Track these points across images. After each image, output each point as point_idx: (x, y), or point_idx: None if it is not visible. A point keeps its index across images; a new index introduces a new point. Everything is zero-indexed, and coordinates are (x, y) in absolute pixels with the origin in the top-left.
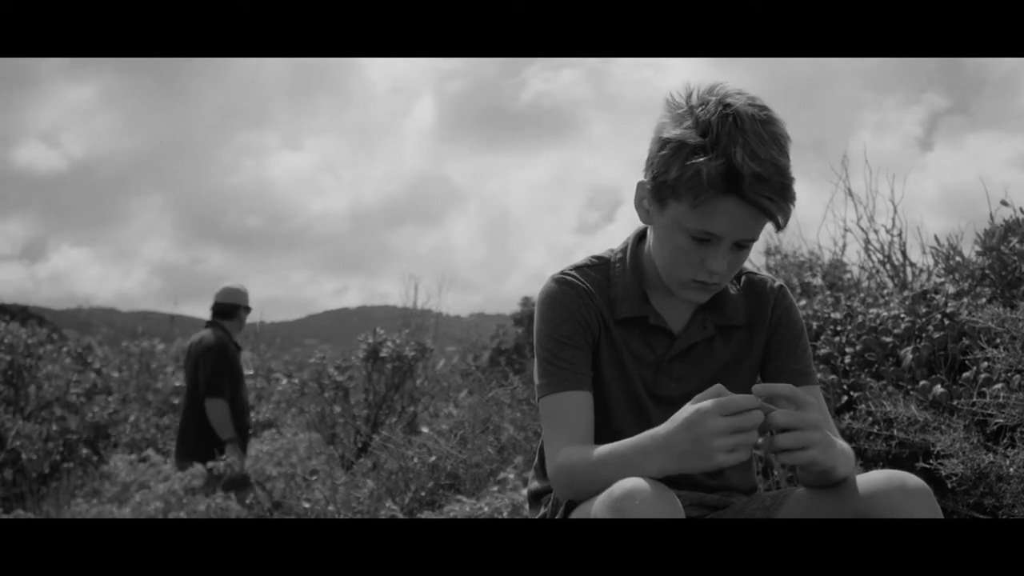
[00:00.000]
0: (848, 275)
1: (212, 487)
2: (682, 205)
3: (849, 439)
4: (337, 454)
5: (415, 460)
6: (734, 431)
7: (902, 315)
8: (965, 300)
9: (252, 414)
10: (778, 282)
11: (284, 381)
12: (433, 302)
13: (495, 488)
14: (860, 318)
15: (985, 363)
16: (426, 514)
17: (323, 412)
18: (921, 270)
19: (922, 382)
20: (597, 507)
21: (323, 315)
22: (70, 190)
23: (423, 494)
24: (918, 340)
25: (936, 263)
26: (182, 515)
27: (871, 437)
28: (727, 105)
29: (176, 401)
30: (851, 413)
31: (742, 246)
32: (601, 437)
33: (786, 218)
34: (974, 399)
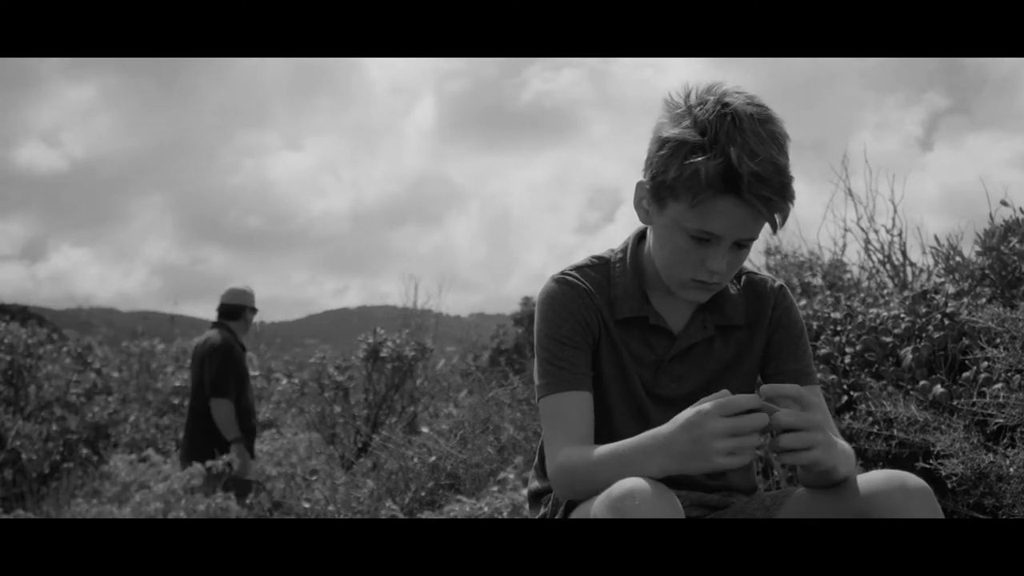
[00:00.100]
0: (848, 275)
1: (212, 486)
2: (681, 205)
3: (849, 439)
4: (337, 454)
5: (415, 460)
6: (734, 433)
7: (902, 315)
8: (965, 300)
9: None
10: (778, 282)
11: (284, 381)
12: (433, 302)
13: (495, 488)
14: (860, 318)
15: (985, 363)
16: (426, 514)
17: (323, 412)
18: (921, 270)
19: (922, 382)
20: (597, 507)
21: (323, 315)
22: (70, 190)
23: (423, 494)
24: (918, 340)
25: (936, 263)
26: (182, 515)
27: (871, 437)
28: (725, 104)
29: (176, 401)
30: (851, 413)
31: (742, 245)
32: (600, 437)
33: (785, 217)
34: (974, 399)
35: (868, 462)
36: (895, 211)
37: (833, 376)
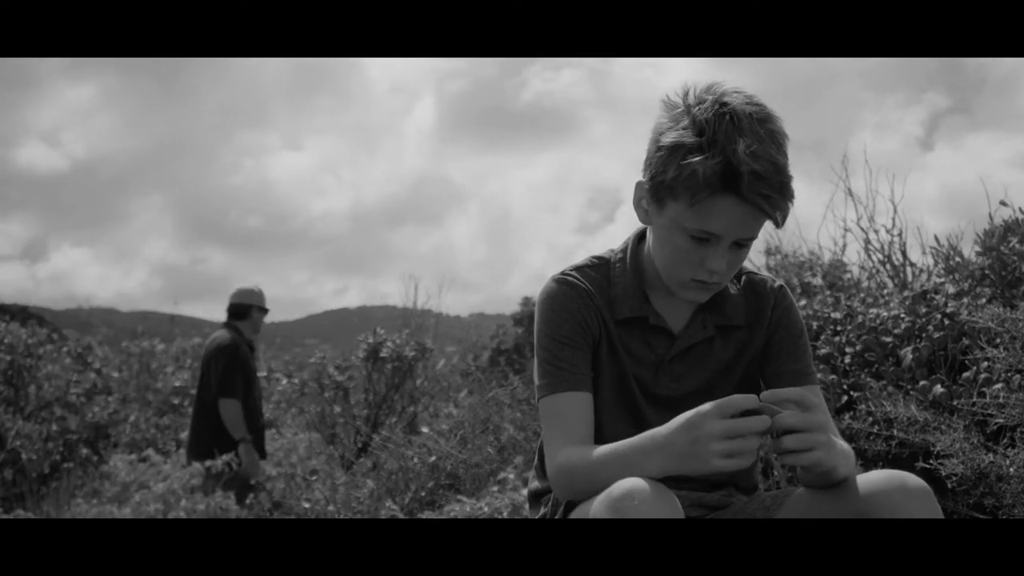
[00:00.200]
0: (848, 275)
1: (212, 486)
2: (680, 205)
3: (849, 439)
4: (337, 454)
5: (415, 460)
6: (732, 435)
7: (902, 315)
8: (965, 300)
9: None
10: (778, 282)
11: (284, 381)
12: (433, 302)
13: (495, 488)
14: (860, 318)
15: (985, 363)
16: (426, 514)
17: (323, 412)
18: (921, 270)
19: (922, 382)
20: (596, 507)
21: (323, 315)
22: (71, 190)
23: (423, 494)
24: (918, 340)
25: (936, 263)
26: (182, 515)
27: (871, 437)
28: (724, 104)
29: (176, 401)
30: (851, 413)
31: (741, 245)
32: (599, 437)
33: (785, 216)
34: (974, 399)
35: (868, 462)
36: (895, 211)
37: (833, 376)
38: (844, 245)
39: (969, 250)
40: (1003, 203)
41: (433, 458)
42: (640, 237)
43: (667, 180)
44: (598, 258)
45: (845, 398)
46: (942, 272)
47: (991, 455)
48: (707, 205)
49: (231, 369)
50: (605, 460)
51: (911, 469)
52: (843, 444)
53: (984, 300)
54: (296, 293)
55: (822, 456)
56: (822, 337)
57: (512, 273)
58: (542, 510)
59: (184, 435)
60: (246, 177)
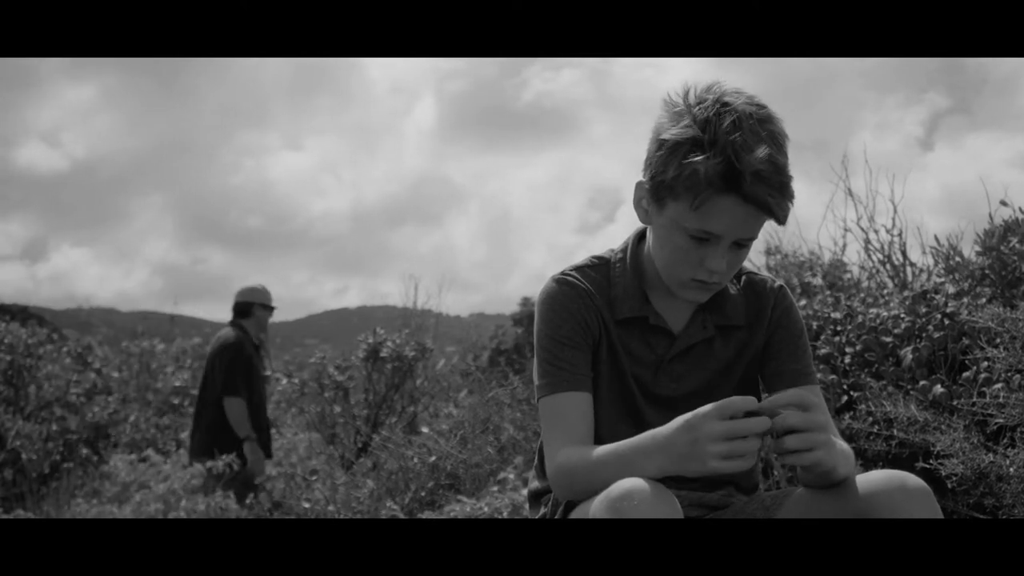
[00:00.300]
0: (848, 275)
1: (212, 486)
2: (681, 204)
3: (849, 439)
4: (337, 454)
5: (415, 460)
6: (730, 436)
7: (902, 315)
8: (965, 300)
9: None
10: (778, 282)
11: (284, 381)
12: (433, 302)
13: (495, 488)
14: (860, 318)
15: (985, 363)
16: (426, 514)
17: (323, 412)
18: (921, 270)
19: (922, 382)
20: (595, 507)
21: (323, 315)
22: (71, 190)
23: (423, 494)
24: (918, 340)
25: (936, 263)
26: (182, 515)
27: (871, 437)
28: (725, 104)
29: (176, 401)
30: (851, 413)
31: (741, 245)
32: (599, 437)
33: (785, 216)
34: (974, 399)
35: (868, 462)
36: (895, 211)
37: (833, 376)
38: (844, 245)
39: (969, 250)
40: (1003, 203)
41: (433, 458)
42: (640, 237)
43: (667, 180)
44: (598, 258)
45: (845, 398)
46: (942, 272)
47: (991, 455)
48: (708, 205)
49: (234, 367)
50: (605, 460)
51: (911, 469)
52: (843, 444)
53: (984, 300)
54: (296, 293)
55: (823, 456)
56: (822, 337)
57: (512, 273)
58: (542, 510)
59: (184, 435)
60: (246, 177)
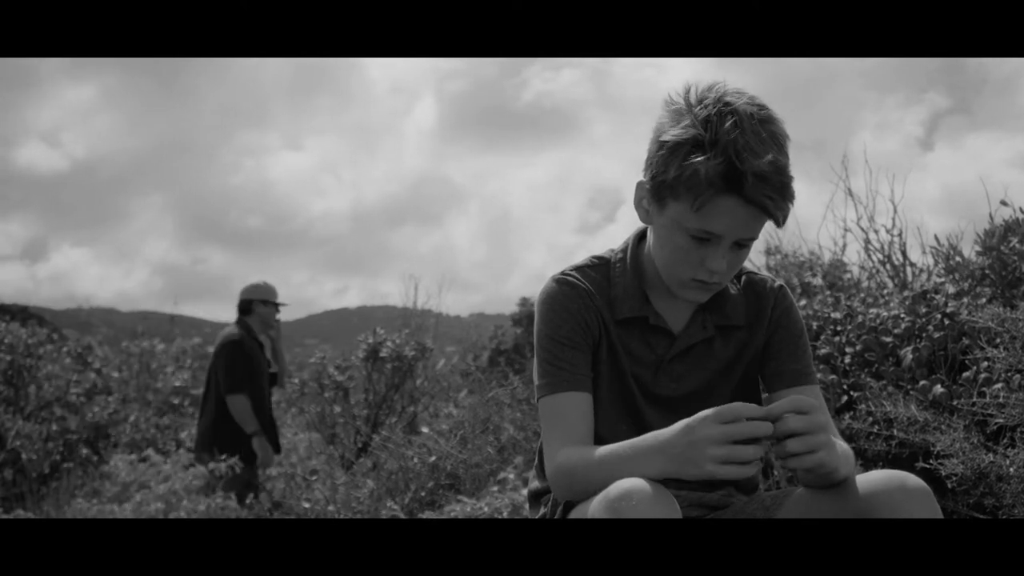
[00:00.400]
0: (848, 275)
1: (213, 487)
2: (681, 204)
3: (849, 439)
4: (337, 454)
5: (415, 460)
6: (728, 440)
7: (902, 315)
8: (965, 300)
9: None
10: (778, 282)
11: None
12: (433, 302)
13: (495, 488)
14: (860, 318)
15: (985, 363)
16: (426, 514)
17: (323, 412)
18: (921, 270)
19: (922, 382)
20: (594, 507)
21: (323, 315)
22: (71, 190)
23: (423, 494)
24: (918, 340)
25: (936, 263)
26: (182, 515)
27: (871, 437)
28: (726, 104)
29: (176, 401)
30: (851, 413)
31: (742, 245)
32: (598, 437)
33: (786, 216)
34: (974, 399)
35: (868, 462)
36: (895, 211)
37: (833, 376)
38: (844, 245)
39: (969, 250)
40: (1003, 203)
41: (433, 458)
42: (640, 237)
43: (668, 180)
44: (598, 258)
45: (845, 398)
46: (942, 272)
47: (991, 455)
48: (709, 205)
49: (233, 365)
50: (604, 460)
51: (911, 469)
52: (843, 445)
53: (984, 300)
54: (296, 293)
55: (825, 457)
56: (822, 337)
57: (512, 273)
58: (542, 510)
59: (184, 435)
60: (246, 177)
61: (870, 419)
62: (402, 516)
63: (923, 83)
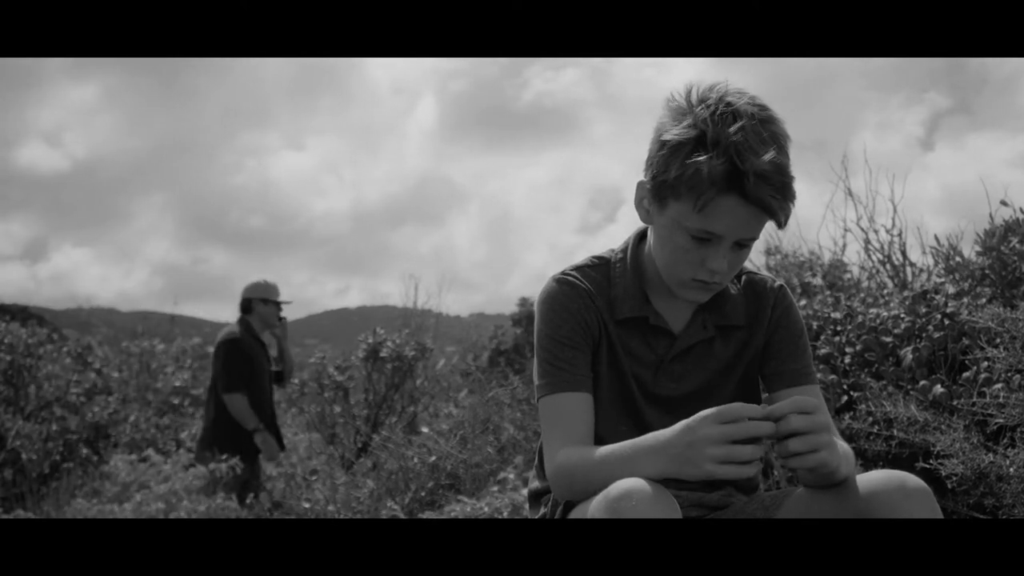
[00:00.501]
0: (848, 275)
1: (213, 488)
2: (682, 204)
3: (849, 439)
4: (337, 454)
5: (415, 460)
6: (727, 440)
7: (902, 315)
8: (965, 300)
9: None
10: (778, 282)
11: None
12: (433, 302)
13: (495, 488)
14: (860, 318)
15: (985, 363)
16: (426, 514)
17: (323, 412)
18: (921, 270)
19: (922, 382)
20: (594, 507)
21: (323, 315)
22: (72, 190)
23: (423, 494)
24: (918, 340)
25: (936, 263)
26: (182, 515)
27: (871, 437)
28: (727, 104)
29: (176, 401)
30: (851, 413)
31: (742, 245)
32: (598, 437)
33: (787, 217)
34: (974, 399)
35: (868, 462)
36: (895, 211)
37: (833, 376)
38: (844, 245)
39: (969, 250)
40: (1003, 203)
41: (433, 458)
42: (641, 237)
43: (669, 179)
44: (598, 258)
45: (845, 398)
46: (942, 272)
47: (991, 455)
48: (710, 205)
49: (230, 364)
50: (604, 460)
51: (911, 469)
52: (843, 444)
53: (984, 300)
54: (296, 293)
55: (827, 457)
56: (822, 337)
57: (512, 273)
58: (542, 510)
59: (184, 435)
60: (247, 177)
61: (870, 419)
62: (402, 516)
63: (924, 83)
